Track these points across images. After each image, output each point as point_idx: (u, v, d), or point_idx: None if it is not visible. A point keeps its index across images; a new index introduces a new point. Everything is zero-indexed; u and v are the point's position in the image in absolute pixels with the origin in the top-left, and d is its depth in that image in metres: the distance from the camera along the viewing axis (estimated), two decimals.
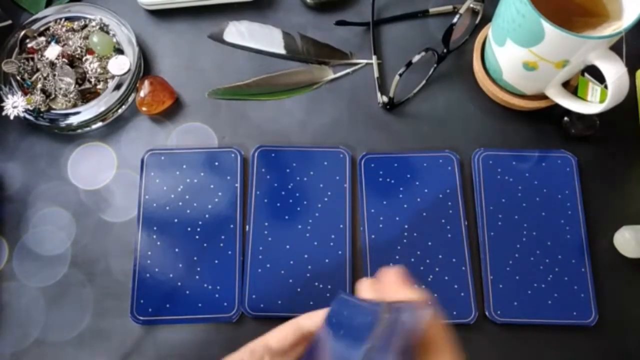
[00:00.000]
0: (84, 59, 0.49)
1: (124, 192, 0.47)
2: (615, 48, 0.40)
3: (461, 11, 0.47)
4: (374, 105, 0.50)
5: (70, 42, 0.49)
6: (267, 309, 0.43)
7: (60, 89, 0.47)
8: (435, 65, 0.49)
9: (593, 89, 0.44)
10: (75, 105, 0.48)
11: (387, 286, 0.30)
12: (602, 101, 0.42)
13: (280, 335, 0.30)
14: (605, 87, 0.40)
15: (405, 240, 0.45)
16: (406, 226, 0.45)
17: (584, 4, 0.42)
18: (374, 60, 0.51)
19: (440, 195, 0.46)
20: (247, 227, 0.45)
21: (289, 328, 0.31)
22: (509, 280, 0.44)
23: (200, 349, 0.43)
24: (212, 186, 0.46)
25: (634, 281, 0.45)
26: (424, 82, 0.50)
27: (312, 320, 0.30)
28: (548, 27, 0.37)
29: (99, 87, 0.48)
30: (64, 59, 0.48)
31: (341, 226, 0.45)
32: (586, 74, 0.45)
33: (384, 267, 0.31)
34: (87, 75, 0.48)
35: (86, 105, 0.47)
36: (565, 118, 0.48)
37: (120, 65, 0.48)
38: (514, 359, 0.43)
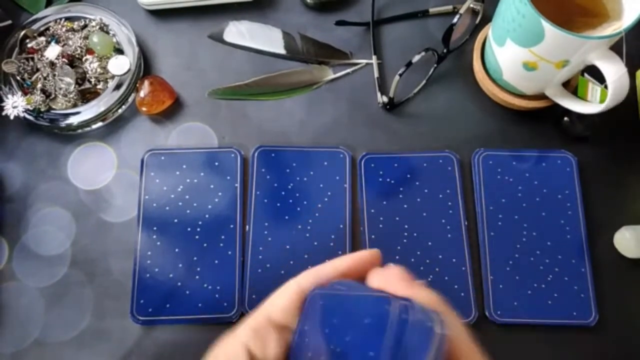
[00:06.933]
0: (84, 59, 0.49)
1: (124, 192, 0.47)
2: (615, 48, 0.40)
3: (461, 11, 0.47)
4: (374, 105, 0.50)
5: (70, 42, 0.49)
6: None
7: (60, 89, 0.47)
8: (435, 65, 0.49)
9: (593, 89, 0.44)
10: (75, 105, 0.48)
11: (392, 282, 0.25)
12: (602, 101, 0.42)
13: (283, 303, 0.25)
14: (605, 87, 0.40)
15: (405, 240, 0.45)
16: (406, 226, 0.45)
17: (584, 4, 0.42)
18: (374, 60, 0.51)
19: (440, 195, 0.46)
20: (247, 227, 0.45)
21: (291, 293, 0.25)
22: (509, 280, 0.44)
23: (200, 349, 0.43)
24: (212, 186, 0.46)
25: (634, 281, 0.45)
26: (424, 82, 0.50)
27: (314, 281, 0.25)
28: (548, 27, 0.37)
29: (99, 87, 0.48)
30: (64, 59, 0.48)
31: (341, 226, 0.45)
32: (586, 74, 0.45)
33: (389, 263, 0.26)
34: (87, 75, 0.48)
35: (86, 105, 0.47)
36: (565, 118, 0.48)
37: (120, 65, 0.48)
38: (514, 359, 0.43)
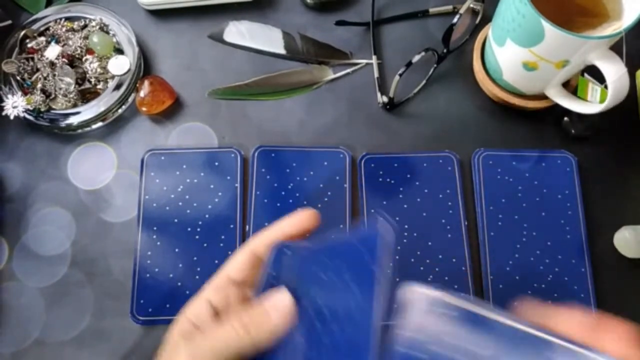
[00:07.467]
0: (84, 59, 0.49)
1: (124, 192, 0.47)
2: (615, 48, 0.40)
3: (461, 11, 0.47)
4: (374, 105, 0.50)
5: (70, 42, 0.49)
6: None
7: (60, 89, 0.47)
8: (435, 65, 0.49)
9: (593, 89, 0.44)
10: (75, 105, 0.48)
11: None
12: (602, 101, 0.42)
13: (237, 264, 0.30)
14: (605, 87, 0.40)
15: (405, 240, 0.45)
16: (406, 226, 0.45)
17: (584, 4, 0.42)
18: (374, 60, 0.51)
19: (440, 195, 0.46)
20: (247, 227, 0.45)
21: (243, 255, 0.30)
22: (509, 280, 0.44)
23: None
24: (212, 186, 0.46)
25: (634, 281, 0.45)
26: (424, 82, 0.50)
27: (264, 242, 0.29)
28: (548, 27, 0.37)
29: (99, 87, 0.48)
30: (64, 59, 0.48)
31: (341, 226, 0.45)
32: (586, 74, 0.45)
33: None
34: (87, 75, 0.48)
35: (86, 105, 0.47)
36: (565, 118, 0.48)
37: (120, 65, 0.48)
38: None
